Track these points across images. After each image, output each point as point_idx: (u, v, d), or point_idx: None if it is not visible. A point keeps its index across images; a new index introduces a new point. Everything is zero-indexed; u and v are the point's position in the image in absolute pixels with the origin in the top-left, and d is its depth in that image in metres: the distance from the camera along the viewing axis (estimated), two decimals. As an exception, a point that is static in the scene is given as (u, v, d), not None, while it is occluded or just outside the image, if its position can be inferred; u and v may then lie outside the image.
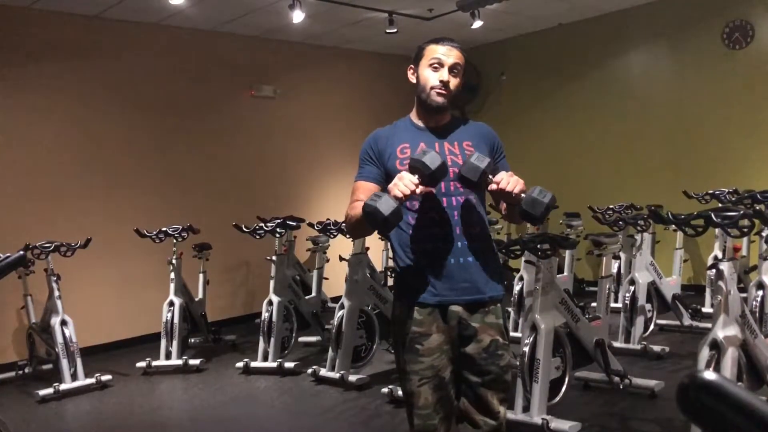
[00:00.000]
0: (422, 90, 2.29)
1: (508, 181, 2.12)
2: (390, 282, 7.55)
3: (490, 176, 2.14)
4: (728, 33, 6.65)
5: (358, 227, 2.25)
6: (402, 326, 2.27)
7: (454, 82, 2.27)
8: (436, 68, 2.26)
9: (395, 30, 6.84)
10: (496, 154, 2.37)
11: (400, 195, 2.05)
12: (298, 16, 6.04)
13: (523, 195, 2.11)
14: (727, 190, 5.77)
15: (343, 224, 5.24)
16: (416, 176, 2.09)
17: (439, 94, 2.26)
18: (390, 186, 2.10)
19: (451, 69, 2.26)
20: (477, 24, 6.64)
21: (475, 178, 2.13)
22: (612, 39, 7.52)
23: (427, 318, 2.23)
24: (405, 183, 2.06)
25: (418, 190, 2.07)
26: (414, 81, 2.34)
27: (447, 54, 2.26)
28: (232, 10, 6.34)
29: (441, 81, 2.25)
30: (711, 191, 5.87)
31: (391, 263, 7.87)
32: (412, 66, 2.34)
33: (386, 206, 2.02)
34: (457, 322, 2.24)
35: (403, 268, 2.29)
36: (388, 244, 8.64)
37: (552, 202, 2.10)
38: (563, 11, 7.25)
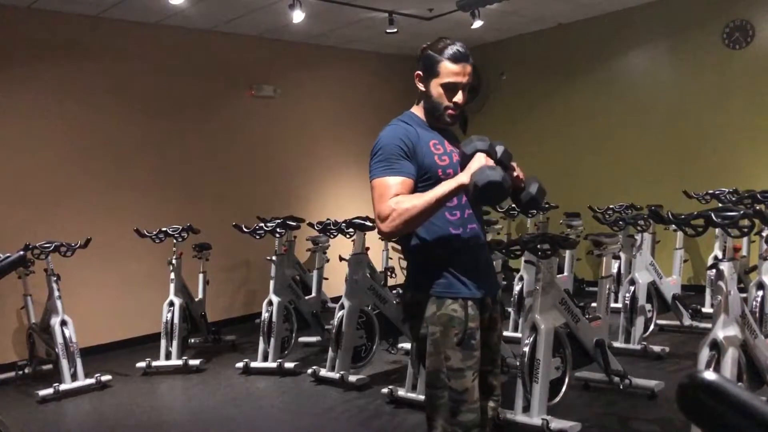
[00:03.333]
0: (434, 107, 2.28)
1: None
2: (390, 282, 7.54)
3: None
4: (728, 33, 6.65)
5: (418, 219, 2.12)
6: (458, 322, 2.21)
7: (464, 99, 2.29)
8: (451, 91, 2.24)
9: (395, 30, 6.84)
10: None
11: (494, 165, 2.08)
12: (298, 16, 6.04)
13: (523, 185, 2.28)
14: (727, 190, 5.77)
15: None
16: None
17: (451, 115, 2.28)
18: (486, 162, 2.08)
19: (464, 89, 2.27)
20: (477, 24, 6.64)
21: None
22: (612, 39, 7.52)
23: (476, 312, 2.27)
24: (489, 159, 2.11)
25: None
26: (422, 89, 2.30)
27: (462, 74, 2.23)
28: (232, 10, 6.34)
29: (455, 103, 2.26)
30: (711, 191, 5.87)
31: (391, 263, 7.89)
32: (420, 74, 2.29)
33: (501, 175, 2.03)
34: (488, 315, 2.35)
35: (445, 264, 2.24)
36: (388, 244, 8.49)
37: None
38: (563, 11, 7.25)
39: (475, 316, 2.25)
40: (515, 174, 2.25)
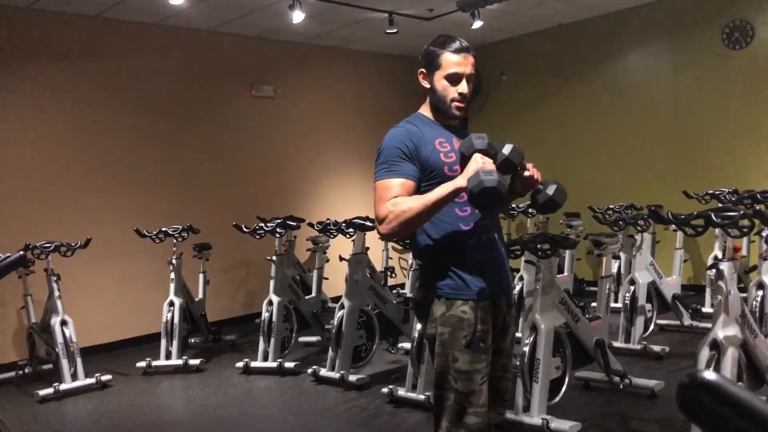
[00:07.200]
0: (440, 101, 2.26)
1: (536, 170, 2.20)
2: (390, 282, 7.54)
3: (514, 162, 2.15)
4: (728, 33, 6.65)
5: (414, 221, 2.12)
6: (467, 324, 2.17)
7: (470, 90, 2.27)
8: (455, 81, 2.23)
9: (395, 30, 6.84)
10: None
11: (491, 168, 2.01)
12: (298, 16, 6.04)
13: (540, 186, 2.21)
14: (727, 190, 5.77)
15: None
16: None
17: (458, 107, 2.26)
18: (483, 164, 2.02)
19: (468, 79, 2.25)
20: (477, 24, 6.64)
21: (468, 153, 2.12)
22: (612, 39, 7.51)
23: (486, 315, 2.21)
24: (487, 161, 2.05)
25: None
26: (426, 86, 2.29)
27: (464, 64, 2.23)
28: (232, 10, 6.34)
29: (461, 94, 2.24)
30: (711, 191, 5.87)
31: (391, 263, 7.89)
32: (424, 71, 2.29)
33: (496, 180, 1.96)
34: (502, 318, 2.28)
35: (455, 264, 2.20)
36: (388, 244, 8.48)
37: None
38: (563, 11, 7.25)
39: (486, 318, 2.20)
40: (528, 174, 2.18)
